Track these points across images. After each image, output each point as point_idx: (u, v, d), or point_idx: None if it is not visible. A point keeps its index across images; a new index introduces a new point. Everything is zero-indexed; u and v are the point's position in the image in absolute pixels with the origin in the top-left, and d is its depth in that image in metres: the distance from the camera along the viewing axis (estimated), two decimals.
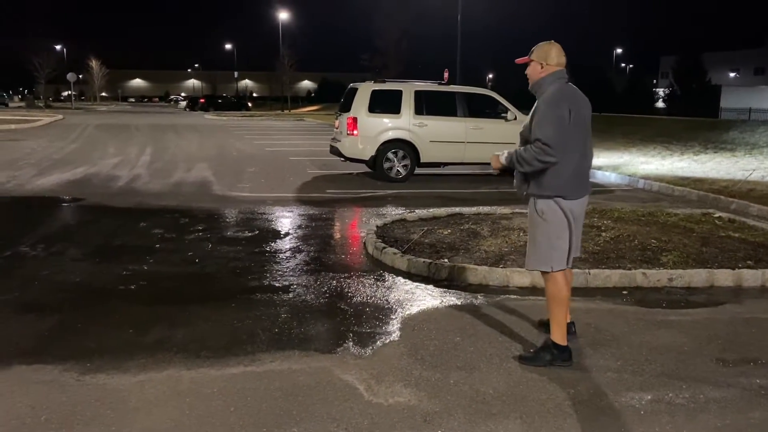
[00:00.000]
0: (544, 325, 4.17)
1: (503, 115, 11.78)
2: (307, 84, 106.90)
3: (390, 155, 11.37)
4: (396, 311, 4.57)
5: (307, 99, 79.51)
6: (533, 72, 3.69)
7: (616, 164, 13.71)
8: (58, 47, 76.48)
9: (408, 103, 11.43)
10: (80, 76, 67.55)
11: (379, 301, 4.77)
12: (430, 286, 5.15)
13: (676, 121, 27.66)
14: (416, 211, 7.88)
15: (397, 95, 11.48)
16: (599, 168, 13.18)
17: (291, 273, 5.49)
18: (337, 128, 12.26)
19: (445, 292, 5.03)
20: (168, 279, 5.31)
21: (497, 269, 5.27)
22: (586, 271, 5.24)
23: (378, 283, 5.24)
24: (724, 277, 5.31)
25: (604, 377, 3.56)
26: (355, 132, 11.33)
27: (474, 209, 7.92)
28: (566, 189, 3.57)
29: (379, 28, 47.57)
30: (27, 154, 15.12)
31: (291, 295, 4.90)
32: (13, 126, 25.62)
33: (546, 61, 3.63)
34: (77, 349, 3.78)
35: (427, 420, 3.05)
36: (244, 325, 4.24)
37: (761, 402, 3.32)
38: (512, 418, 3.09)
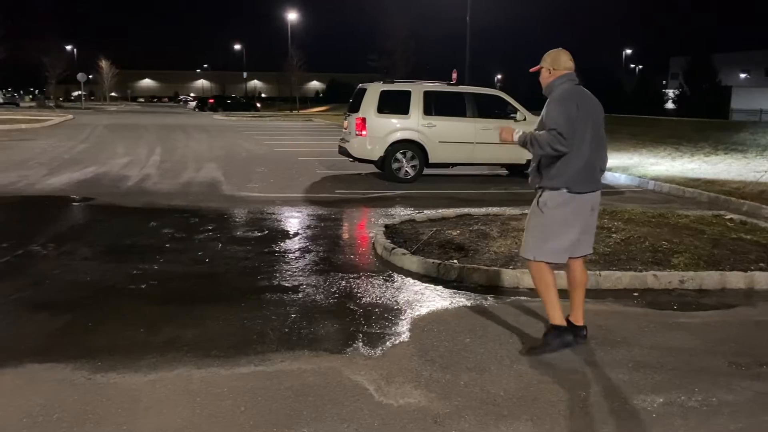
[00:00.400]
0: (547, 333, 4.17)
1: (513, 115, 11.75)
2: (315, 84, 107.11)
3: (399, 156, 11.37)
4: (405, 312, 4.56)
5: (316, 99, 79.66)
6: (544, 77, 3.94)
7: (626, 165, 13.64)
8: (68, 48, 76.94)
9: (417, 104, 11.42)
10: (90, 77, 67.93)
11: (388, 302, 4.77)
12: (440, 287, 5.14)
13: (686, 122, 27.53)
14: (425, 211, 7.87)
15: (406, 96, 11.48)
16: (609, 169, 13.09)
17: (300, 273, 5.49)
18: (345, 129, 12.26)
19: (454, 292, 5.01)
20: (178, 278, 5.33)
21: (507, 270, 5.25)
22: (597, 272, 5.21)
23: (387, 283, 5.23)
24: (736, 279, 5.28)
25: (616, 379, 3.54)
26: (363, 132, 11.33)
27: (483, 210, 7.90)
28: (573, 181, 3.72)
29: (387, 28, 47.58)
30: (38, 154, 15.22)
31: (300, 295, 4.90)
32: (23, 126, 25.81)
33: (553, 66, 3.89)
34: (88, 348, 3.80)
35: (437, 421, 3.04)
36: (254, 324, 4.25)
37: None
38: (523, 420, 3.08)
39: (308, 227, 7.45)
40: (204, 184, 10.74)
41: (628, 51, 77.10)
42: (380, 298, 4.86)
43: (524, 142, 3.80)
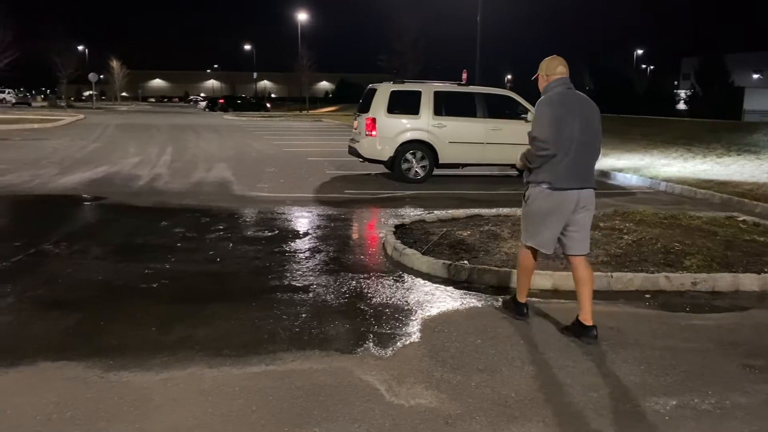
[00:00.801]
0: (567, 329, 4.18)
1: (523, 115, 11.71)
2: (325, 85, 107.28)
3: (408, 156, 11.36)
4: (416, 312, 4.56)
5: (325, 100, 79.75)
6: (540, 83, 4.26)
7: (637, 166, 13.57)
8: (80, 48, 77.45)
9: (427, 104, 11.40)
10: (101, 77, 68.39)
11: (398, 302, 4.76)
12: (450, 288, 5.13)
13: (698, 123, 27.34)
14: (435, 212, 7.86)
15: (416, 96, 11.46)
16: (620, 170, 13.06)
17: (311, 273, 5.50)
18: (355, 129, 12.27)
19: (465, 293, 5.01)
20: (189, 278, 5.35)
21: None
22: (609, 274, 5.19)
23: (397, 284, 5.23)
24: (749, 281, 5.23)
25: (628, 381, 3.52)
26: (373, 133, 11.33)
27: (493, 211, 7.88)
28: (556, 178, 3.98)
29: (397, 29, 47.56)
30: (50, 153, 15.33)
31: (311, 294, 4.91)
32: (36, 125, 26.01)
33: (547, 72, 4.20)
34: (100, 347, 3.82)
35: (448, 422, 3.04)
36: (265, 324, 4.26)
37: None
38: (535, 421, 3.06)
39: (318, 227, 7.46)
40: (214, 184, 10.78)
41: (640, 51, 76.53)
42: (390, 298, 4.86)
43: (524, 164, 4.16)
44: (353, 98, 42.43)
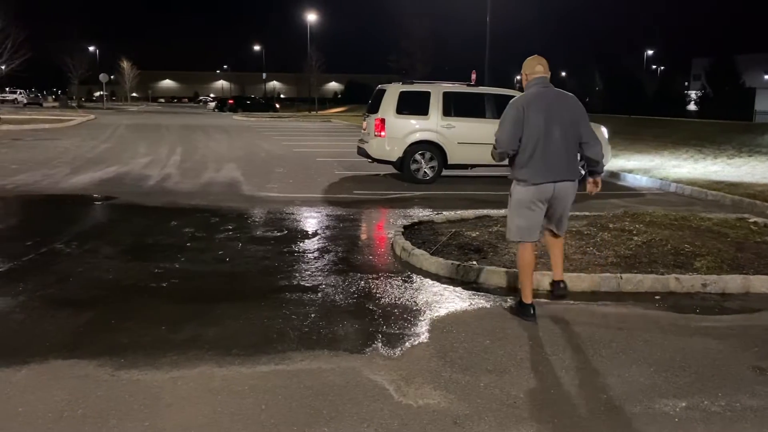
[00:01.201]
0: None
1: None
2: (334, 85, 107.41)
3: (417, 157, 11.36)
4: (424, 313, 4.56)
5: (334, 100, 79.83)
6: (524, 83, 4.52)
7: (647, 168, 13.51)
8: (90, 48, 77.97)
9: (436, 105, 11.40)
10: (112, 77, 68.85)
11: (407, 303, 4.77)
12: (459, 288, 5.13)
13: (709, 124, 27.18)
14: (444, 212, 7.86)
15: (425, 96, 11.46)
16: (630, 171, 13.01)
17: (320, 273, 5.52)
18: (364, 129, 12.28)
19: (473, 294, 5.00)
20: (199, 277, 5.38)
21: None
22: (618, 275, 5.17)
23: (406, 284, 5.24)
24: (760, 283, 5.20)
25: (637, 383, 3.51)
26: (382, 133, 11.34)
27: (502, 211, 7.83)
28: (524, 174, 4.32)
29: (407, 29, 47.60)
30: (61, 153, 15.45)
31: (320, 294, 4.92)
32: (47, 125, 26.21)
33: (526, 72, 4.50)
34: (111, 345, 3.85)
35: (457, 422, 3.04)
36: (274, 323, 4.27)
37: None
38: (544, 422, 3.06)
39: (327, 227, 7.48)
40: (224, 184, 10.83)
41: (650, 52, 76.08)
42: (399, 298, 4.87)
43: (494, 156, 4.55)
44: (362, 99, 42.45)
